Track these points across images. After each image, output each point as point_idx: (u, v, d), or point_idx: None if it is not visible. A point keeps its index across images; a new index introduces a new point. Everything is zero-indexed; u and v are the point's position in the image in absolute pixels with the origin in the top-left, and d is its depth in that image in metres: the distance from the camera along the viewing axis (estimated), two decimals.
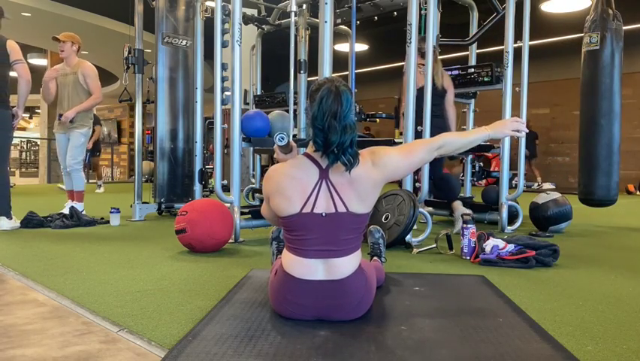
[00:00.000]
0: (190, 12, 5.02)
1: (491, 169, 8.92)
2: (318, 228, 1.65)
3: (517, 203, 4.17)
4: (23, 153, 22.54)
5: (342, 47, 8.31)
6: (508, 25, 4.00)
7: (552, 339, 1.55)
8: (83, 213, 4.44)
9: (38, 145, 18.21)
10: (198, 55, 4.33)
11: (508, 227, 4.05)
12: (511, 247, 2.79)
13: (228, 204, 3.40)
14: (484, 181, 7.06)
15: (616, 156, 4.29)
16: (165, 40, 4.92)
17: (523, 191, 4.26)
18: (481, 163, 5.04)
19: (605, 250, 3.39)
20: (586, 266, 2.79)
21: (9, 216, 3.93)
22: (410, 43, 3.55)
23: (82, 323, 1.75)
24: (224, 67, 3.60)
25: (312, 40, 4.36)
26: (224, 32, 3.56)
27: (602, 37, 4.22)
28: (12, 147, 4.18)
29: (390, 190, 3.52)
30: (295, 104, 3.90)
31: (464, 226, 2.94)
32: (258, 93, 5.78)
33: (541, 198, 4.19)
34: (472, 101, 5.00)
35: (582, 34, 4.39)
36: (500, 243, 2.81)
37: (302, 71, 4.07)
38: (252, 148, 5.13)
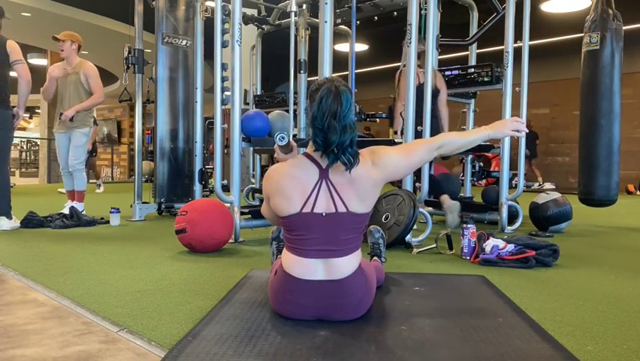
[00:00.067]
0: (190, 12, 5.02)
1: (491, 169, 8.92)
2: (318, 228, 1.65)
3: (517, 203, 4.17)
4: (23, 153, 22.54)
5: (342, 47, 8.31)
6: (508, 25, 4.00)
7: (552, 339, 1.55)
8: (83, 213, 4.44)
9: (38, 145, 18.21)
10: (198, 55, 4.33)
11: (508, 227, 4.05)
12: (511, 247, 2.79)
13: (228, 204, 3.40)
14: (484, 181, 7.05)
15: (616, 156, 4.29)
16: (165, 40, 4.92)
17: (523, 191, 4.26)
18: (481, 163, 5.04)
19: (605, 250, 3.39)
20: (586, 266, 2.79)
21: (9, 217, 3.93)
22: (410, 43, 3.55)
23: (82, 323, 1.75)
24: (224, 67, 3.60)
25: (312, 40, 4.36)
26: (224, 32, 3.56)
27: (602, 37, 4.22)
28: (12, 147, 4.17)
29: (390, 190, 3.52)
30: (295, 104, 3.90)
31: (464, 226, 2.94)
32: (258, 93, 5.78)
33: (541, 198, 4.19)
34: (472, 101, 5.01)
35: (582, 34, 4.39)
36: (500, 243, 2.81)
37: (302, 71, 4.07)
38: (252, 148, 5.13)
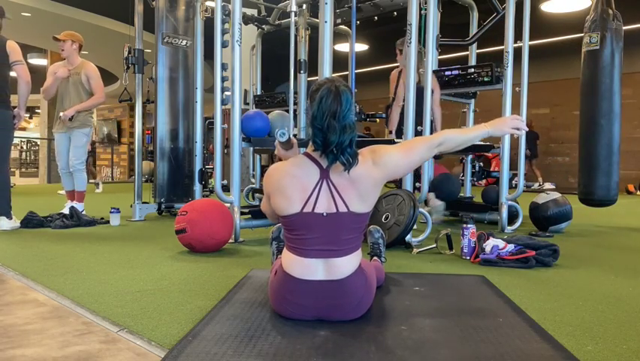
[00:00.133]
0: (190, 12, 5.02)
1: (491, 169, 8.92)
2: (319, 228, 1.65)
3: (517, 203, 4.17)
4: (23, 153, 22.54)
5: (342, 47, 8.31)
6: (508, 25, 4.00)
7: (552, 339, 1.55)
8: (83, 213, 4.44)
9: (38, 145, 18.21)
10: (198, 55, 4.33)
11: (508, 227, 4.05)
12: (511, 247, 2.79)
13: (228, 204, 3.40)
14: (484, 181, 7.05)
15: (616, 156, 4.29)
16: (165, 40, 4.92)
17: (523, 191, 4.26)
18: (481, 163, 5.04)
19: (605, 250, 3.39)
20: (586, 266, 2.79)
21: (9, 216, 3.93)
22: (410, 43, 3.55)
23: (82, 323, 1.75)
24: (224, 67, 3.60)
25: (312, 40, 4.36)
26: (224, 32, 3.56)
27: (602, 37, 4.22)
28: (12, 147, 4.17)
29: (390, 190, 3.52)
30: (295, 104, 3.90)
31: (464, 226, 2.94)
32: (258, 93, 5.78)
33: (541, 198, 4.19)
34: (472, 101, 5.01)
35: (582, 34, 4.39)
36: (500, 243, 2.81)
37: (302, 71, 4.07)
38: (252, 148, 5.13)
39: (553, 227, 4.08)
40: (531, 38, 4.20)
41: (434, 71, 4.19)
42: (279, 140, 1.87)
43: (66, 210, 4.41)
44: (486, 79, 4.00)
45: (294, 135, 3.91)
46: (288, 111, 3.90)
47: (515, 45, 4.04)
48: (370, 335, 1.57)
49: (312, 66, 3.83)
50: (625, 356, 1.47)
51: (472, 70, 4.19)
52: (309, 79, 4.28)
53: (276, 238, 2.29)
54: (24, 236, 3.65)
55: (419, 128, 3.63)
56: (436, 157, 5.47)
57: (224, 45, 3.57)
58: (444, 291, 2.14)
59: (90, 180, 8.96)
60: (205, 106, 4.38)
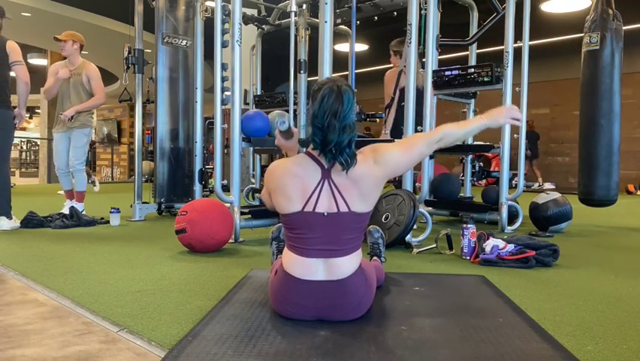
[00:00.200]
0: (190, 12, 5.02)
1: (491, 169, 8.92)
2: (319, 227, 1.65)
3: (517, 203, 4.17)
4: (23, 153, 22.53)
5: (342, 47, 8.31)
6: (508, 25, 4.00)
7: (552, 339, 1.55)
8: (83, 213, 4.44)
9: (38, 145, 18.21)
10: (198, 55, 4.33)
11: (508, 227, 4.05)
12: (511, 247, 2.79)
13: (228, 204, 3.40)
14: (484, 181, 7.05)
15: (616, 156, 4.29)
16: (165, 40, 4.92)
17: (523, 191, 4.26)
18: (481, 163, 5.03)
19: (605, 250, 3.39)
20: (586, 266, 2.79)
21: (9, 216, 3.93)
22: (410, 43, 3.55)
23: (82, 323, 1.75)
24: (224, 67, 3.60)
25: (312, 40, 4.35)
26: (224, 32, 3.56)
27: (602, 37, 4.22)
28: (12, 147, 4.17)
29: (390, 190, 3.52)
30: (295, 104, 3.91)
31: (464, 226, 2.94)
32: (258, 93, 5.78)
33: (541, 198, 4.19)
34: (472, 101, 5.00)
35: (582, 34, 4.39)
36: (500, 243, 2.81)
37: (302, 71, 4.07)
38: (252, 148, 5.13)
39: (553, 227, 4.08)
40: (531, 38, 4.20)
41: (434, 71, 4.20)
42: (279, 129, 1.85)
43: (66, 210, 4.41)
44: (486, 79, 3.99)
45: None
46: (288, 111, 3.90)
47: (515, 45, 4.03)
48: (370, 335, 1.57)
49: (312, 66, 3.82)
50: (625, 356, 1.47)
51: (472, 70, 4.19)
52: (309, 79, 4.28)
53: (276, 238, 2.29)
54: (24, 236, 3.65)
55: (419, 128, 3.63)
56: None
57: (224, 45, 3.57)
58: (444, 291, 2.14)
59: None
60: (205, 106, 4.37)
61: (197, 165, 4.21)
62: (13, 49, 3.84)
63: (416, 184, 3.74)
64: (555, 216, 4.07)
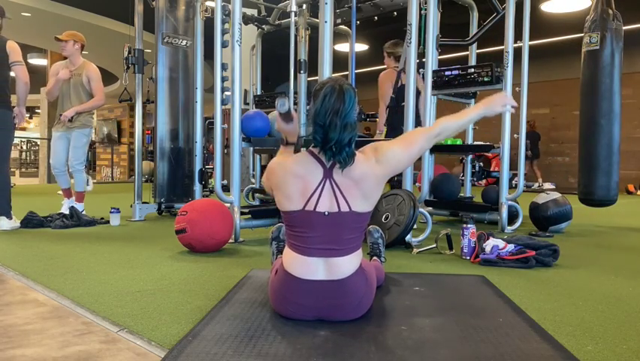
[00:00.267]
0: (190, 12, 5.02)
1: (491, 169, 8.92)
2: (320, 226, 1.65)
3: (517, 203, 4.17)
4: (23, 153, 22.53)
5: (342, 47, 8.31)
6: (508, 25, 4.00)
7: (552, 339, 1.55)
8: (83, 213, 4.44)
9: (38, 145, 18.21)
10: (198, 55, 4.33)
11: (508, 227, 4.05)
12: (511, 247, 2.79)
13: (228, 204, 3.40)
14: (484, 181, 7.05)
15: (616, 156, 4.29)
16: (165, 40, 4.92)
17: (523, 191, 4.26)
18: (481, 163, 5.03)
19: (605, 250, 3.39)
20: (586, 266, 2.79)
21: (9, 216, 3.93)
22: (410, 43, 3.55)
23: (82, 323, 1.75)
24: (224, 67, 3.60)
25: (312, 40, 4.36)
26: (224, 32, 3.56)
27: (602, 37, 4.22)
28: (12, 147, 4.17)
29: (390, 190, 3.52)
30: (295, 104, 3.90)
31: (464, 226, 2.94)
32: (258, 93, 5.78)
33: (541, 198, 4.19)
34: (472, 101, 5.00)
35: (582, 34, 4.39)
36: (500, 243, 2.81)
37: (302, 71, 4.07)
38: (252, 148, 5.13)
39: (553, 227, 4.08)
40: (531, 38, 4.20)
41: (434, 71, 4.20)
42: (280, 111, 1.82)
43: (65, 208, 4.41)
44: (486, 79, 3.99)
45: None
46: None
47: (515, 45, 4.03)
48: (370, 335, 1.57)
49: (312, 66, 3.83)
50: (625, 356, 1.47)
51: (472, 70, 4.19)
52: (309, 79, 4.28)
53: (276, 237, 2.29)
54: (24, 236, 3.65)
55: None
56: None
57: (224, 45, 3.57)
58: (444, 291, 2.15)
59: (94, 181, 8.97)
60: (205, 106, 4.37)
61: (197, 165, 4.21)
62: (13, 49, 3.84)
63: (416, 184, 3.74)
64: (555, 216, 4.07)
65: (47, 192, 8.31)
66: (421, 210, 3.35)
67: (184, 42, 5.02)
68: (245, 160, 5.92)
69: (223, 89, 3.59)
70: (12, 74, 3.90)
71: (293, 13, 3.77)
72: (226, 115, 3.65)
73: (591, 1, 4.70)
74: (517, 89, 4.10)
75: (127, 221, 4.56)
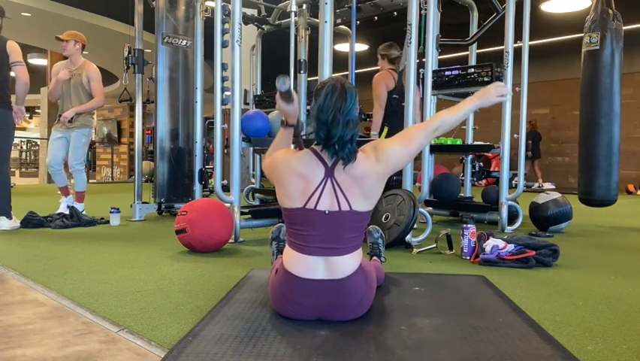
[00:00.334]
0: (190, 12, 5.02)
1: (491, 169, 8.91)
2: (320, 225, 1.65)
3: (517, 203, 4.17)
4: (23, 153, 22.53)
5: (342, 47, 8.31)
6: (508, 25, 4.00)
7: (552, 339, 1.55)
8: (83, 213, 4.44)
9: (38, 145, 18.21)
10: (198, 55, 4.33)
11: (508, 227, 4.05)
12: (511, 247, 2.79)
13: (228, 204, 3.40)
14: (484, 181, 7.05)
15: (616, 156, 4.29)
16: (165, 40, 4.92)
17: (523, 191, 4.26)
18: (481, 163, 5.03)
19: (605, 250, 3.39)
20: (586, 266, 2.79)
21: (9, 216, 3.93)
22: (410, 43, 3.55)
23: (82, 323, 1.75)
24: (224, 67, 3.60)
25: (312, 40, 4.36)
26: (224, 32, 3.56)
27: (602, 37, 4.22)
28: (12, 147, 4.17)
29: (390, 190, 3.52)
30: None
31: (464, 226, 2.94)
32: (258, 93, 5.78)
33: (541, 198, 4.19)
34: None
35: (582, 34, 4.39)
36: (500, 243, 2.81)
37: (302, 71, 4.07)
38: (252, 148, 5.13)
39: (553, 227, 4.08)
40: (531, 38, 4.20)
41: (434, 71, 4.20)
42: (280, 89, 1.79)
43: (63, 207, 4.40)
44: (486, 79, 3.99)
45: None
46: None
47: (515, 45, 4.04)
48: (370, 335, 1.57)
49: (312, 66, 3.83)
50: (625, 356, 1.47)
51: (472, 70, 4.19)
52: (309, 79, 4.28)
53: (276, 237, 2.29)
54: (24, 236, 3.65)
55: None
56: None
57: (224, 45, 3.57)
58: (444, 291, 2.15)
59: (92, 180, 8.96)
60: (205, 106, 4.37)
61: (197, 165, 4.21)
62: (13, 49, 3.84)
63: (416, 184, 3.74)
64: (555, 216, 4.07)
65: (47, 192, 8.31)
66: (421, 210, 3.35)
67: (184, 42, 5.02)
68: (245, 160, 5.92)
69: (223, 89, 3.59)
70: (12, 74, 3.91)
71: (293, 13, 3.77)
72: (226, 115, 3.65)
73: (591, 1, 4.70)
74: (517, 89, 4.10)
75: (127, 221, 4.56)
